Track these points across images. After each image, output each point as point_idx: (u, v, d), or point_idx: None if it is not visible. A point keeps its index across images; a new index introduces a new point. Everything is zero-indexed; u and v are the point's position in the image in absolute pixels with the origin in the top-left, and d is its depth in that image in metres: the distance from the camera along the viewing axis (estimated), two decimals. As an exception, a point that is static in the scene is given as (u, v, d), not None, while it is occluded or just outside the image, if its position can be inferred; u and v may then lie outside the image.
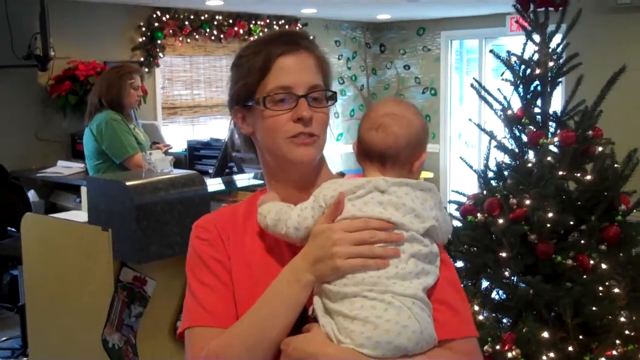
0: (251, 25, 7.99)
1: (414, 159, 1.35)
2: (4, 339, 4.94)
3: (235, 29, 7.85)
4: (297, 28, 8.07)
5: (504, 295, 2.84)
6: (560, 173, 2.80)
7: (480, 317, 2.71)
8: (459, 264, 2.89)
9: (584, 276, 2.67)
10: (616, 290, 2.70)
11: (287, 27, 8.08)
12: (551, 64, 2.92)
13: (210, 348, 1.27)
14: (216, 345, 1.27)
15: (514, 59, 3.00)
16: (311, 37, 1.43)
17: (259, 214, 1.35)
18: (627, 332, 2.65)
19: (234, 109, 1.41)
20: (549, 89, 2.94)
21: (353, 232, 1.23)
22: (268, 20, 8.13)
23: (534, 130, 2.88)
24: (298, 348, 1.22)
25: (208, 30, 7.61)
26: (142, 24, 7.06)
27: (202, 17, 7.53)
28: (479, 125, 3.33)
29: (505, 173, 2.98)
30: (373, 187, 1.28)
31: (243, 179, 4.21)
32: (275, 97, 1.33)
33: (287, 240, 1.32)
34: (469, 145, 9.67)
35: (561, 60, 2.95)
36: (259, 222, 1.36)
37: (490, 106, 3.05)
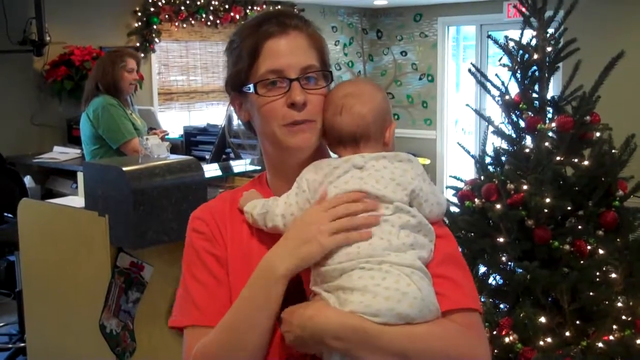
0: (247, 11, 7.95)
1: (384, 131, 1.33)
2: (1, 324, 4.95)
3: (232, 14, 7.81)
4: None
5: (501, 281, 2.85)
6: (558, 158, 2.80)
7: (478, 303, 2.72)
8: (456, 249, 2.89)
9: (581, 261, 2.67)
10: (613, 275, 2.71)
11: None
12: (549, 49, 2.91)
13: (198, 349, 1.27)
14: (200, 345, 1.27)
15: (511, 44, 2.99)
16: (302, 15, 1.38)
17: (245, 212, 1.34)
18: (623, 317, 2.66)
19: (231, 95, 1.39)
20: (546, 75, 2.93)
21: (329, 209, 1.22)
22: (264, 6, 8.09)
23: (532, 115, 2.87)
24: (296, 312, 1.21)
25: (204, 15, 7.57)
26: (137, 9, 7.02)
27: (198, 2, 7.48)
28: (476, 111, 3.32)
29: (503, 158, 2.98)
30: (351, 165, 1.28)
31: (240, 165, 4.21)
32: (267, 82, 1.29)
33: (276, 232, 1.29)
34: (465, 131, 9.67)
35: (559, 46, 2.94)
36: (247, 220, 1.35)
37: (488, 92, 3.05)
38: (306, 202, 1.28)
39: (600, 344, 2.58)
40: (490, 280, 2.87)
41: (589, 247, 2.70)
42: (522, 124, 2.93)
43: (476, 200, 2.86)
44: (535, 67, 2.93)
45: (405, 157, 1.31)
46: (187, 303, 1.34)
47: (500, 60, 3.04)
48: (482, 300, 2.75)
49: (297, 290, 1.26)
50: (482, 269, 2.87)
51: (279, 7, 8.23)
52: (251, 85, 1.31)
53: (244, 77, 1.32)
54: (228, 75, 1.38)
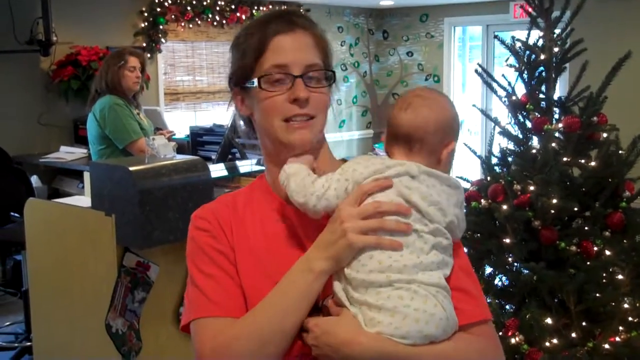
0: (253, 11, 7.96)
1: (442, 147, 1.31)
2: (7, 323, 4.95)
3: (238, 14, 7.82)
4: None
5: (508, 282, 2.84)
6: (565, 159, 2.79)
7: (484, 303, 2.71)
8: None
9: (588, 262, 2.67)
10: (620, 276, 2.70)
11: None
12: (556, 49, 2.91)
13: (219, 339, 1.25)
14: (227, 336, 1.25)
15: (518, 44, 2.99)
16: (308, 16, 1.40)
17: (283, 170, 1.31)
18: (630, 318, 2.65)
19: (233, 90, 1.40)
20: (553, 75, 2.93)
21: (359, 207, 1.21)
22: (270, 6, 8.09)
23: (539, 116, 2.87)
24: (328, 332, 1.20)
25: (210, 15, 7.59)
26: (144, 9, 7.04)
27: (204, 3, 7.50)
28: (483, 111, 3.32)
29: (510, 159, 2.97)
30: (405, 171, 1.25)
31: (246, 165, 4.21)
32: (271, 78, 1.30)
33: (303, 210, 1.28)
34: (471, 132, 9.66)
35: (566, 46, 2.93)
36: (279, 178, 1.32)
37: (495, 92, 3.04)
38: (344, 193, 1.26)
39: (606, 346, 2.57)
40: (497, 281, 2.86)
41: (595, 248, 2.69)
42: (528, 124, 2.92)
43: (482, 200, 2.86)
44: (542, 68, 2.93)
45: (455, 183, 1.30)
46: (197, 297, 1.32)
47: (506, 60, 3.04)
48: (488, 301, 2.75)
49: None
50: (489, 270, 2.86)
51: (285, 7, 8.24)
52: (255, 80, 1.32)
53: (249, 72, 1.33)
54: (232, 70, 1.39)
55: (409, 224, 1.21)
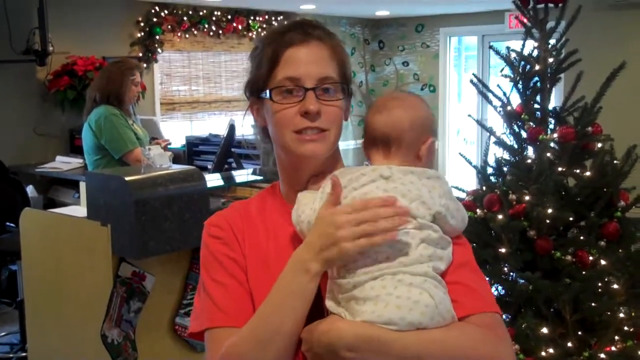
0: (250, 21, 7.98)
1: (420, 144, 1.33)
2: (2, 334, 4.94)
3: (234, 24, 7.85)
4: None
5: (503, 291, 2.84)
6: (560, 169, 2.80)
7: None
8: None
9: (583, 272, 2.67)
10: (615, 286, 2.70)
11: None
12: (551, 60, 2.92)
13: (223, 351, 1.25)
14: (228, 346, 1.25)
15: (513, 55, 3.00)
16: (326, 27, 1.38)
17: (295, 212, 1.32)
18: (626, 328, 2.66)
19: (250, 100, 1.40)
20: (548, 85, 2.94)
21: (355, 213, 1.19)
22: (267, 16, 8.12)
23: (534, 126, 2.88)
24: (312, 329, 1.21)
25: (206, 26, 7.61)
26: (140, 19, 7.06)
27: (201, 13, 7.52)
28: (478, 122, 3.33)
29: (505, 169, 2.98)
30: (378, 175, 1.27)
31: (242, 175, 4.21)
32: (282, 89, 1.30)
33: (301, 236, 1.29)
34: (467, 141, 9.68)
35: (561, 57, 2.94)
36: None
37: (490, 102, 3.05)
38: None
39: (602, 355, 2.57)
40: (492, 291, 2.87)
41: (591, 258, 2.69)
42: (523, 134, 2.93)
43: (478, 210, 2.86)
44: (537, 78, 2.94)
45: (434, 174, 1.30)
46: (208, 306, 1.32)
47: (502, 71, 3.05)
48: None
49: (317, 308, 1.26)
50: (484, 280, 2.86)
51: (282, 19, 8.26)
52: (267, 91, 1.32)
53: (263, 83, 1.33)
54: (248, 80, 1.39)
55: (403, 218, 1.20)
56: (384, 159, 1.32)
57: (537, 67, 2.91)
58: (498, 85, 3.07)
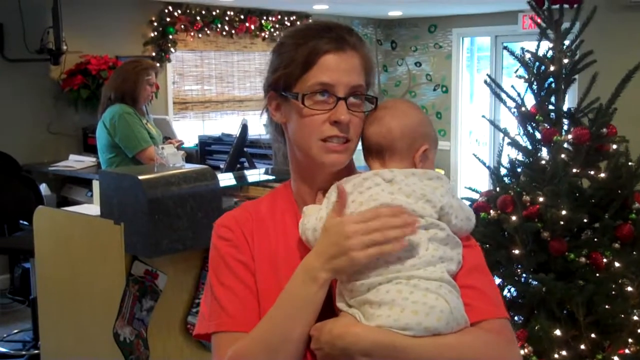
0: (262, 21, 7.98)
1: (413, 151, 1.34)
2: (15, 331, 4.97)
3: (247, 24, 7.85)
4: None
5: (516, 293, 2.83)
6: (574, 171, 2.79)
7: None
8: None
9: (597, 274, 2.66)
10: (629, 288, 2.69)
11: (298, 22, 8.06)
12: (565, 61, 2.91)
13: (230, 354, 1.25)
14: (236, 350, 1.25)
15: (528, 55, 2.99)
16: (359, 34, 1.38)
17: (301, 223, 1.33)
18: (639, 330, 2.64)
19: (270, 94, 1.38)
20: (563, 86, 2.92)
21: (365, 223, 1.20)
22: (279, 16, 8.12)
23: (548, 127, 2.86)
24: (325, 330, 1.21)
25: (219, 25, 7.61)
26: (153, 18, 7.07)
27: (214, 13, 7.53)
28: (492, 122, 3.32)
29: (519, 170, 2.97)
30: (380, 179, 1.28)
31: (254, 174, 4.21)
32: (315, 97, 1.29)
33: (310, 246, 1.29)
34: (479, 142, 9.64)
35: (575, 58, 2.93)
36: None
37: (504, 103, 3.04)
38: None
39: (615, 358, 2.56)
40: (505, 292, 2.86)
41: (604, 260, 2.68)
42: (538, 135, 2.92)
43: (491, 211, 2.85)
44: (551, 79, 2.93)
45: (435, 174, 1.31)
46: (215, 309, 1.32)
47: (516, 71, 3.04)
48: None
49: (327, 308, 1.26)
50: (497, 281, 2.85)
51: (295, 19, 8.25)
52: (299, 94, 1.30)
53: (292, 83, 1.32)
54: (272, 74, 1.36)
55: (413, 227, 1.20)
56: (381, 167, 1.33)
57: (551, 68, 2.90)
58: (512, 86, 3.06)
